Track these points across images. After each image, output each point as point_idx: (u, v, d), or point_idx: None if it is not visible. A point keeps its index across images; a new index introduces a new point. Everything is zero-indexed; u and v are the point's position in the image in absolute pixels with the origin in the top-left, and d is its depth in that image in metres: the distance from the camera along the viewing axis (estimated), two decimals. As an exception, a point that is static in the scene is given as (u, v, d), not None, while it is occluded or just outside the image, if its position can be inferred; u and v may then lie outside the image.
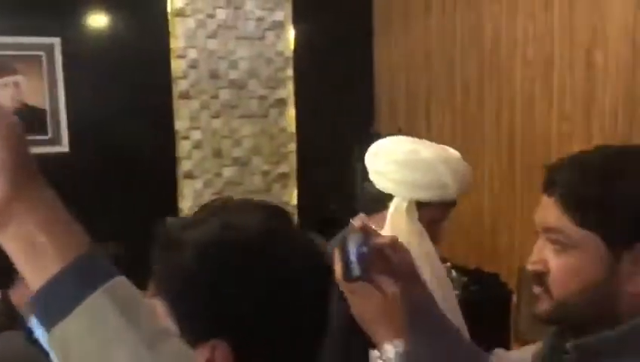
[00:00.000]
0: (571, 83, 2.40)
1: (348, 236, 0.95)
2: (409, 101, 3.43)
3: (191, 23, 3.40)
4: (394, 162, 1.33)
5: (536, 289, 0.89)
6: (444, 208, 1.37)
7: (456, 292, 2.76)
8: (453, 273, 2.87)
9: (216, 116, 3.48)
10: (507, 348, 2.82)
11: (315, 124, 3.50)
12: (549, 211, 0.87)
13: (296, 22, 3.56)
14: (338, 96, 3.57)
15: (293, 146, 3.62)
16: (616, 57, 2.20)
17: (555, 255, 0.86)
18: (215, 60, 3.45)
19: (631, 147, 0.94)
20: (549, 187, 0.88)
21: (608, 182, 0.83)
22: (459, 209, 3.07)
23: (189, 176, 3.46)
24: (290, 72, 3.57)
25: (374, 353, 0.95)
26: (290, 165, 3.63)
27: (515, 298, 2.65)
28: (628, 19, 2.14)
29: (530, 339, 2.51)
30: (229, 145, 3.51)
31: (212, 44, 3.44)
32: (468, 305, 2.71)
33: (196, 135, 3.45)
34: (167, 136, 3.39)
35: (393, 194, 1.33)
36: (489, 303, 2.72)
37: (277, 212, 0.79)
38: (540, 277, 0.88)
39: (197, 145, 3.46)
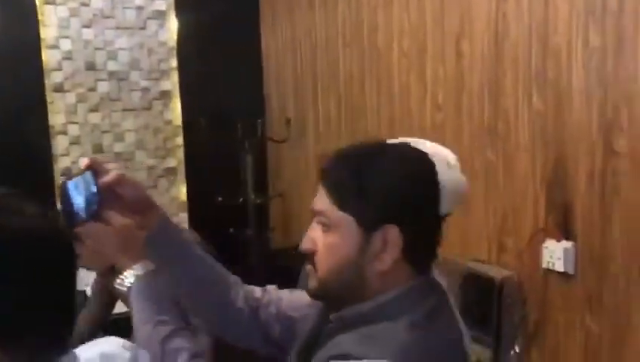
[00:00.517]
0: (443, 73, 2.48)
1: (74, 179, 1.01)
2: (297, 91, 3.43)
3: (63, 11, 3.21)
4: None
5: (309, 268, 1.00)
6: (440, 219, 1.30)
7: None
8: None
9: (94, 110, 3.32)
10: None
11: (203, 116, 3.43)
12: (320, 196, 0.99)
13: (179, 11, 3.46)
14: (226, 87, 3.52)
15: (179, 140, 3.52)
16: (481, 47, 2.29)
17: (322, 235, 0.98)
18: (92, 51, 3.29)
19: (386, 142, 1.07)
20: (321, 176, 1.01)
21: (362, 171, 0.95)
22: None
23: (69, 173, 3.29)
24: (174, 62, 3.47)
25: (117, 281, 1.07)
26: (177, 159, 3.53)
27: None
28: (491, 8, 2.23)
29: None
30: (110, 140, 3.37)
31: (88, 34, 3.27)
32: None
33: (74, 130, 3.28)
34: (42, 132, 3.20)
35: None
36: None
37: None
38: (311, 257, 0.99)
39: (75, 141, 3.29)
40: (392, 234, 0.94)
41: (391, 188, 0.95)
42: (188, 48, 3.46)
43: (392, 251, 0.95)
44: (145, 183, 3.44)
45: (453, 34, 2.42)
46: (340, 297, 0.99)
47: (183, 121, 3.50)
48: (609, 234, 1.91)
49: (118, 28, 3.33)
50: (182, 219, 3.46)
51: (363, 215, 0.95)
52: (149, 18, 3.40)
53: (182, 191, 3.55)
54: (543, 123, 2.09)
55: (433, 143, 1.20)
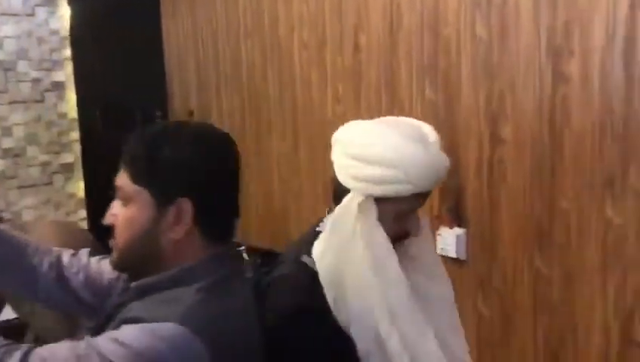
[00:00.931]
0: (342, 65, 2.49)
1: None
2: (200, 82, 3.35)
3: (-60, -5, 2.98)
4: (347, 155, 1.24)
5: (111, 242, 1.05)
6: (410, 200, 1.23)
7: (250, 274, 2.79)
8: (245, 256, 2.88)
9: (-23, 102, 3.11)
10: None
11: (99, 108, 3.28)
12: (120, 173, 1.03)
13: (71, -3, 3.29)
14: (124, 78, 3.38)
15: (75, 134, 3.36)
16: (377, 38, 2.32)
17: (120, 209, 1.03)
18: (-26, 39, 3.07)
19: (188, 121, 1.13)
20: (122, 154, 1.05)
21: (156, 147, 1.00)
22: (252, 191, 3.08)
23: None
24: (67, 52, 3.29)
25: None
26: (73, 154, 3.37)
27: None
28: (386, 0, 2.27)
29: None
30: (-3, 135, 3.16)
31: (-32, 21, 3.05)
32: (261, 285, 2.77)
33: (-45, 124, 3.06)
34: None
35: (349, 188, 1.23)
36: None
37: None
38: (112, 230, 1.04)
39: (-43, 136, 3.07)
40: (185, 206, 1.00)
41: (183, 163, 1.00)
42: (82, 37, 3.30)
43: (185, 223, 1.00)
44: (39, 180, 3.26)
45: (351, 25, 2.43)
46: (138, 267, 1.04)
47: (79, 114, 3.34)
48: (497, 220, 1.99)
49: (3, 14, 3.12)
50: (80, 216, 3.31)
51: (156, 188, 1.00)
52: (37, 5, 3.21)
53: (80, 188, 3.39)
54: (435, 113, 2.14)
55: (421, 123, 1.30)
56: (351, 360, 1.22)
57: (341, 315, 1.23)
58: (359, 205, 1.21)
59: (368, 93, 2.40)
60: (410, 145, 1.19)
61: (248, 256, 2.87)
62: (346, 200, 1.23)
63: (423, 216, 1.33)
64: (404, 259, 1.28)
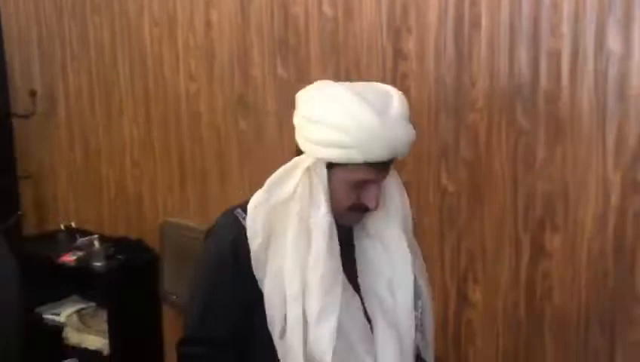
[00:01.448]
0: (194, 42, 2.44)
1: None
2: (44, 61, 3.11)
3: None
4: (300, 115, 1.24)
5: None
6: (364, 169, 1.17)
7: (101, 263, 2.66)
8: (96, 244, 2.74)
9: None
10: (159, 312, 2.80)
11: None
12: None
13: None
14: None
15: None
16: (228, 16, 2.30)
17: None
18: None
19: None
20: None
21: None
22: (103, 176, 2.93)
23: None
24: None
25: None
26: None
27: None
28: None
29: (175, 301, 2.56)
30: None
31: None
32: (115, 274, 2.65)
33: None
34: None
35: (303, 150, 1.22)
36: (135, 269, 2.67)
37: None
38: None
39: None
40: None
41: None
42: None
43: None
44: None
45: (202, 2, 2.38)
46: None
47: None
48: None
49: None
50: None
51: None
52: None
53: None
54: (287, 90, 2.16)
55: (394, 93, 1.21)
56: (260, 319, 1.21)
57: (259, 273, 1.21)
58: (307, 168, 1.19)
59: (222, 70, 2.37)
60: (363, 110, 1.14)
61: (100, 244, 2.74)
62: (295, 159, 1.22)
63: (392, 190, 1.28)
64: (362, 235, 1.27)
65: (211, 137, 2.44)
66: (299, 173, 1.20)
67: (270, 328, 1.21)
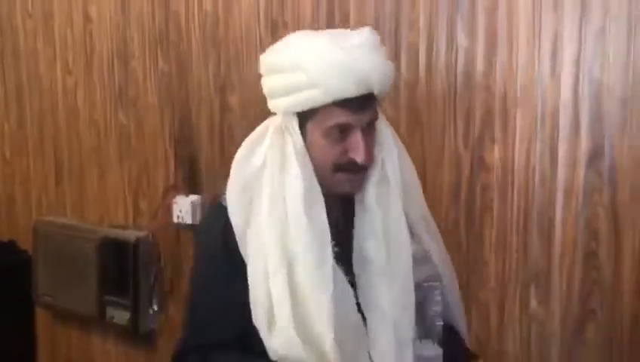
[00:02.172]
0: (72, 37, 2.42)
1: None
2: None
3: None
4: (262, 75, 1.13)
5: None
6: (334, 112, 1.02)
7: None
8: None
9: None
10: (31, 314, 2.68)
11: None
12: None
13: None
14: None
15: None
16: (108, 11, 2.31)
17: None
18: None
19: None
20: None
21: None
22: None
23: None
24: None
25: None
26: None
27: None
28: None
29: (50, 302, 2.48)
30: None
31: None
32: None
33: None
34: None
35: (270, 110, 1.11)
36: (6, 271, 2.56)
37: None
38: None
39: None
40: None
41: None
42: None
43: None
44: None
45: (80, -3, 2.38)
46: None
47: None
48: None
49: None
50: None
51: None
52: None
53: None
54: (169, 84, 2.21)
55: (363, 29, 1.08)
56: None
57: (245, 254, 1.08)
58: (277, 128, 1.06)
59: (101, 65, 2.37)
60: (317, 41, 1.04)
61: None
62: (264, 122, 1.10)
63: (389, 153, 1.10)
64: (360, 210, 1.10)
65: (89, 132, 2.42)
66: (268, 135, 1.08)
67: (254, 317, 1.05)
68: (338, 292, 1.04)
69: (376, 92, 1.04)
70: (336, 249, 1.05)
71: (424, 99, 1.74)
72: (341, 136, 1.04)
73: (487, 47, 1.62)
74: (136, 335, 2.33)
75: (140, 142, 2.31)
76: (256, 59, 1.97)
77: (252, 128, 2.01)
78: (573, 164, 1.54)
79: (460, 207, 1.70)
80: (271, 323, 1.04)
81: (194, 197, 2.19)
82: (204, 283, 1.13)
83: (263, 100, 2.00)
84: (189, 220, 2.19)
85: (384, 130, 1.11)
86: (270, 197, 1.05)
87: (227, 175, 2.08)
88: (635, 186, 1.49)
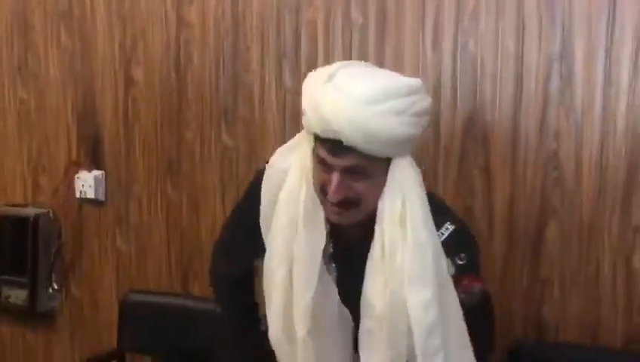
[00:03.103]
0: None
1: None
2: None
3: None
4: None
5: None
6: (323, 145, 1.07)
7: None
8: None
9: None
10: None
11: None
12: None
13: None
14: None
15: None
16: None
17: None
18: None
19: None
20: None
21: None
22: None
23: None
24: None
25: None
26: None
27: None
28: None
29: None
30: None
31: None
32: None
33: None
34: None
35: None
36: None
37: None
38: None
39: None
40: None
41: None
42: None
43: None
44: None
45: (-22, -32, 2.34)
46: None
47: None
48: (132, 159, 2.18)
49: None
50: None
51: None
52: None
53: None
54: (72, 59, 2.23)
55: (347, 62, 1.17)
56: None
57: (263, 226, 1.23)
58: (305, 144, 1.15)
59: (0, 39, 2.34)
60: (321, 75, 1.11)
61: None
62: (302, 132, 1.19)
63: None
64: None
65: (-13, 108, 2.38)
66: (300, 148, 1.18)
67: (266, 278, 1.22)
68: (322, 291, 1.16)
69: (345, 142, 1.04)
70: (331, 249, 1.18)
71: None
72: (326, 168, 1.10)
73: (377, 25, 1.79)
74: (35, 314, 2.31)
75: (40, 117, 2.31)
76: (162, 33, 2.08)
77: (156, 100, 2.12)
78: (451, 133, 1.75)
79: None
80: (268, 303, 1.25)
81: (97, 173, 2.22)
82: (238, 213, 1.38)
83: (167, 75, 2.11)
84: (91, 195, 2.21)
85: (397, 189, 1.09)
86: (288, 195, 1.17)
87: (131, 148, 2.15)
88: (503, 151, 1.71)
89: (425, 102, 1.11)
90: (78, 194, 2.23)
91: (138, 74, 2.13)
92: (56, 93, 2.27)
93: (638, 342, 1.66)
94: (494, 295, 1.74)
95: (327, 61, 1.83)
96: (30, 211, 2.28)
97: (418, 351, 1.07)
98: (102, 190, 2.22)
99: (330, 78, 1.08)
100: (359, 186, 1.07)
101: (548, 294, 1.72)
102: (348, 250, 1.17)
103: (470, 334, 1.13)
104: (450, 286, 1.11)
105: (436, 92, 1.76)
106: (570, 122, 1.65)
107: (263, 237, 1.24)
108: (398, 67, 1.76)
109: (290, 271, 1.18)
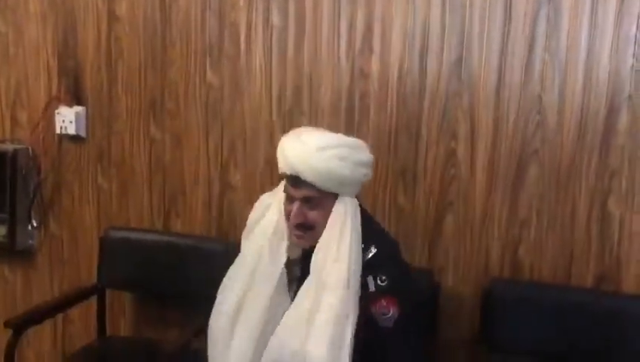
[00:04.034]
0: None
1: None
2: None
3: None
4: None
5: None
6: (287, 182, 1.40)
7: None
8: None
9: None
10: None
11: None
12: None
13: None
14: None
15: None
16: None
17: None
18: None
19: None
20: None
21: None
22: None
23: None
24: None
25: None
26: None
27: None
28: None
29: None
30: None
31: None
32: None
33: None
34: None
35: None
36: None
37: None
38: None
39: None
40: None
41: None
42: None
43: None
44: None
45: None
46: None
47: None
48: (115, 95, 2.16)
49: None
50: None
51: None
52: None
53: None
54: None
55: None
56: None
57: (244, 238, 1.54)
58: (282, 184, 1.45)
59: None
60: (294, 132, 1.42)
61: None
62: None
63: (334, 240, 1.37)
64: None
65: (-38, 40, 2.32)
66: (280, 192, 1.46)
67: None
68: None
69: (302, 177, 1.35)
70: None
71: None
72: (290, 200, 1.39)
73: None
74: (14, 251, 2.30)
75: (19, 51, 2.26)
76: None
77: (140, 37, 2.10)
78: (438, 74, 1.77)
79: (341, 115, 1.89)
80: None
81: (78, 108, 2.19)
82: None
83: (152, 10, 2.08)
84: (72, 131, 2.19)
85: (338, 219, 1.37)
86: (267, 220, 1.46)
87: (114, 85, 2.13)
88: (487, 94, 1.74)
89: (364, 155, 1.40)
90: (58, 130, 2.21)
91: (121, 9, 2.10)
92: (35, 27, 2.22)
93: (607, 281, 1.74)
94: (473, 236, 1.82)
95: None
96: (8, 147, 2.25)
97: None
98: (83, 126, 2.20)
99: (297, 135, 1.40)
100: (313, 214, 1.37)
101: (525, 235, 1.78)
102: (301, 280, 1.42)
103: (387, 358, 1.31)
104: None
105: (424, 29, 1.78)
106: (555, 66, 1.69)
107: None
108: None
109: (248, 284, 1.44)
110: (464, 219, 1.82)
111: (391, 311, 1.27)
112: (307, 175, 1.33)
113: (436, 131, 1.80)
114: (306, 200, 1.36)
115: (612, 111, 1.67)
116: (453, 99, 1.78)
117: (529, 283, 1.78)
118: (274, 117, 1.98)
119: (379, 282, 1.29)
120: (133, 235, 2.12)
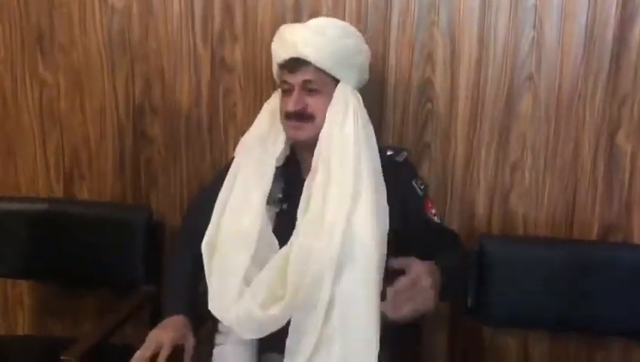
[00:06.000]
0: None
1: None
2: None
3: None
4: None
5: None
6: (282, 71, 1.30)
7: None
8: None
9: None
10: None
11: None
12: None
13: None
14: None
15: None
16: None
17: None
18: None
19: None
20: None
21: None
22: None
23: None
24: None
25: None
26: None
27: None
28: None
29: None
30: None
31: None
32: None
33: None
34: None
35: None
36: None
37: None
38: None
39: None
40: None
41: None
42: None
43: None
44: None
45: None
46: None
47: None
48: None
49: None
50: None
51: None
52: None
53: None
54: None
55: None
56: None
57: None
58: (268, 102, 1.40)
59: None
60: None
61: None
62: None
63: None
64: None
65: None
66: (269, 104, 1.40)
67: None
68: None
69: (302, 57, 1.26)
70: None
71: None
72: (287, 94, 1.30)
73: None
74: None
75: None
76: None
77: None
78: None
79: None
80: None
81: None
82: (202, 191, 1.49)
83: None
84: None
85: (340, 102, 1.29)
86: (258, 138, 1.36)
87: None
88: (470, 5, 1.40)
89: (363, 45, 1.32)
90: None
91: None
92: None
93: (615, 232, 1.47)
94: (455, 184, 1.51)
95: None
96: None
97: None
98: None
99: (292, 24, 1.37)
100: (312, 101, 1.28)
101: (517, 180, 1.48)
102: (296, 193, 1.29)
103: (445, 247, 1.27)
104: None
105: None
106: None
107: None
108: None
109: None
110: (443, 164, 1.50)
111: (434, 210, 1.31)
112: (308, 51, 1.25)
113: (407, 55, 1.45)
114: (305, 86, 1.28)
115: (624, 21, 1.36)
116: (427, 14, 1.42)
117: (523, 238, 1.49)
118: (199, 45, 1.58)
119: (421, 186, 1.31)
120: (25, 206, 1.68)
